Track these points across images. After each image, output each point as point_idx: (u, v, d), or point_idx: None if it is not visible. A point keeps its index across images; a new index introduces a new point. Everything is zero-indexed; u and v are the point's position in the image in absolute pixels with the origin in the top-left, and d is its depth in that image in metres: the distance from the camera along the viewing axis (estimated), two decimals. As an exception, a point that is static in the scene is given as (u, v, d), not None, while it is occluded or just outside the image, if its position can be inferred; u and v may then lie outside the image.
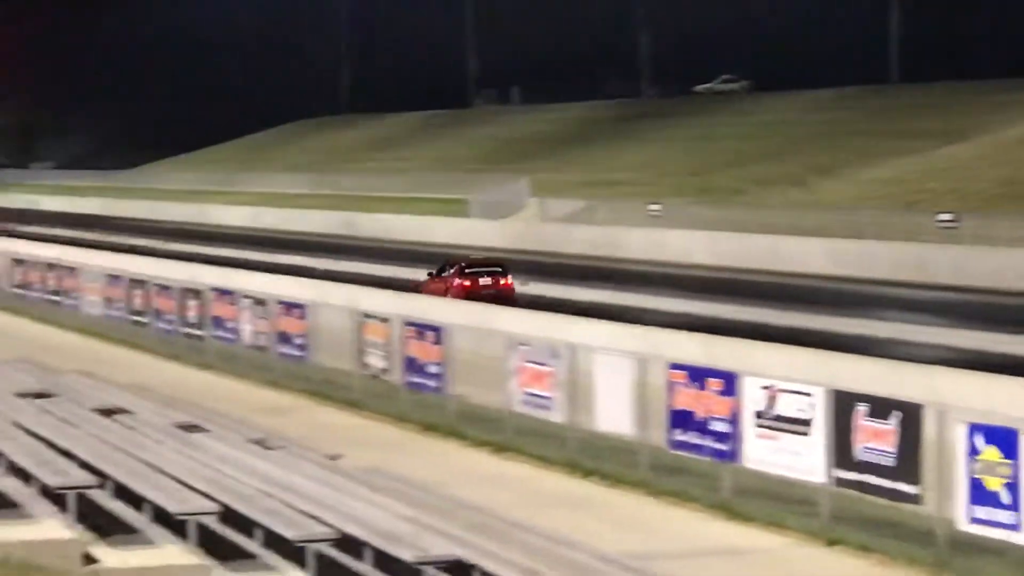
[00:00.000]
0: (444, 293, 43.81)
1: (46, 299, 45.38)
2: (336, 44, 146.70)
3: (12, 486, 17.09)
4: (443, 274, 45.63)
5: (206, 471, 17.97)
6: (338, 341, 31.81)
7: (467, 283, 44.88)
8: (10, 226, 79.71)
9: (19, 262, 48.20)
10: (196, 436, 21.30)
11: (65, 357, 34.40)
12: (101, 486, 16.85)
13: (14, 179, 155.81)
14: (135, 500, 16.69)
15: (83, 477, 16.36)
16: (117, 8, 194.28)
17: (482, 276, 45.53)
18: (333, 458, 22.12)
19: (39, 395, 23.02)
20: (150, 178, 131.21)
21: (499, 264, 46.73)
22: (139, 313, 39.32)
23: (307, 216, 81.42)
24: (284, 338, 32.99)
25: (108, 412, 22.12)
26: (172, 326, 37.59)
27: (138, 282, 39.96)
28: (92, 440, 18.80)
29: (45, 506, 16.28)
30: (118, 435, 19.84)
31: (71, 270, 44.40)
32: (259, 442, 21.85)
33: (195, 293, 37.00)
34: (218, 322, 35.57)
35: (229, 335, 35.13)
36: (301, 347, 32.59)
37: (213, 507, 15.97)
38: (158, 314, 38.30)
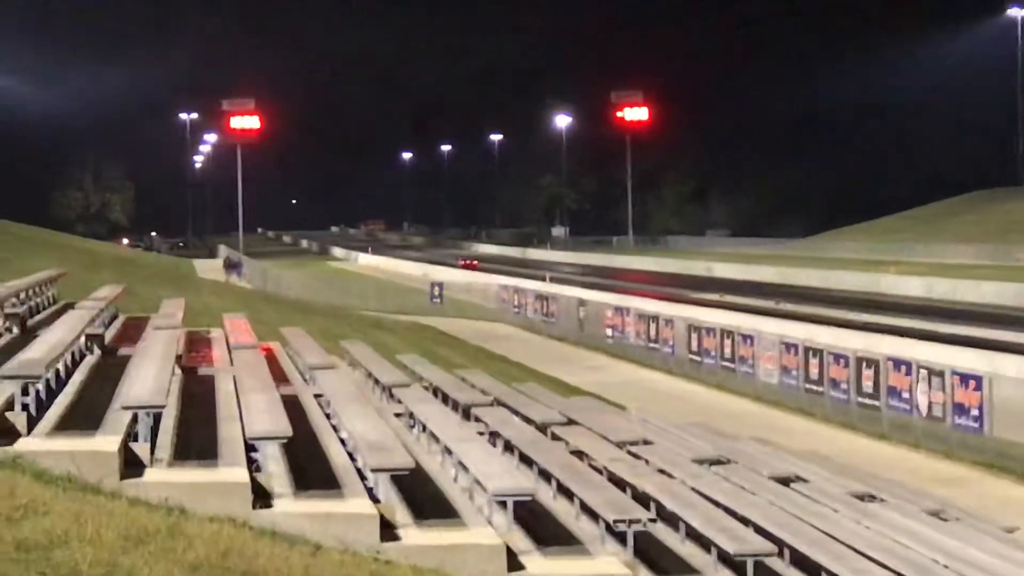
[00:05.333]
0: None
1: (721, 366, 46.21)
2: (1011, 114, 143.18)
3: (691, 552, 17.44)
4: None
5: (882, 541, 17.79)
6: (1015, 413, 31.04)
7: (464, 263, 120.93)
8: (686, 293, 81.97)
9: (695, 329, 49.28)
10: (872, 506, 21.15)
11: (740, 424, 34.96)
12: (779, 554, 16.95)
13: (688, 246, 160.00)
14: (812, 569, 16.70)
15: (760, 544, 16.48)
16: (787, 77, 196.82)
17: (469, 261, 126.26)
18: (1010, 531, 21.52)
19: (715, 461, 23.40)
20: (823, 247, 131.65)
21: (476, 258, 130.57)
22: (814, 381, 39.47)
23: (980, 287, 79.65)
24: (960, 409, 32.45)
25: (784, 480, 22.26)
26: (846, 395, 37.56)
27: (813, 350, 40.15)
28: (769, 508, 18.94)
29: (724, 572, 16.53)
30: (794, 503, 19.91)
31: (746, 338, 45.05)
32: (936, 513, 21.50)
33: (870, 363, 36.84)
34: (893, 392, 35.30)
35: (904, 405, 34.81)
36: (976, 419, 31.96)
37: (891, 579, 15.81)
38: (833, 383, 38.34)
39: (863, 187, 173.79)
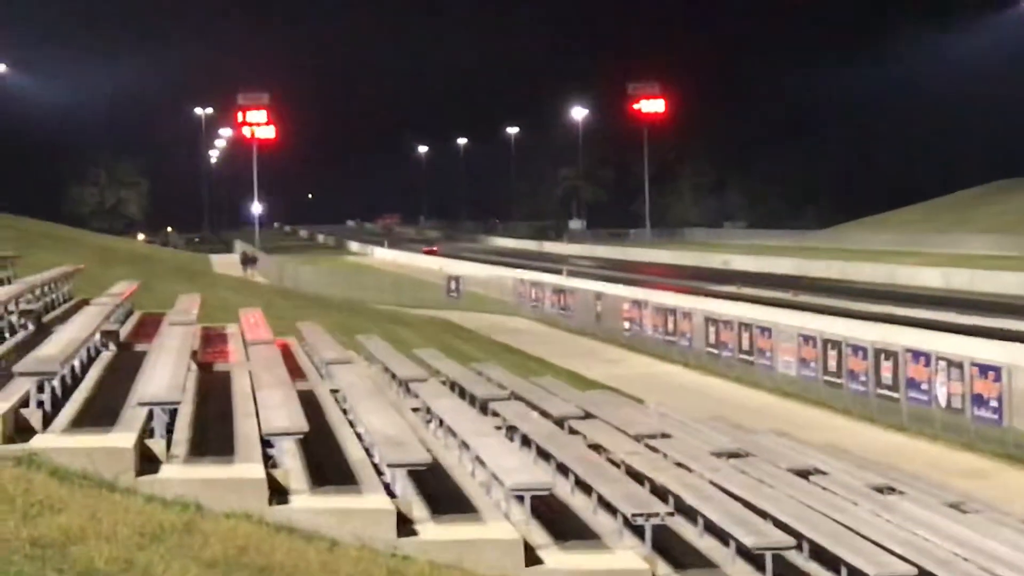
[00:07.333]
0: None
1: (739, 358, 46.08)
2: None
3: (710, 546, 17.37)
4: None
5: (902, 534, 17.70)
6: (1036, 404, 30.94)
7: (426, 250, 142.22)
8: (703, 285, 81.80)
9: (712, 321, 49.16)
10: (891, 498, 21.05)
11: (758, 416, 34.87)
12: (798, 547, 16.87)
13: (706, 238, 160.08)
14: (831, 562, 16.61)
15: (780, 537, 16.40)
16: (807, 66, 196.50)
17: (430, 247, 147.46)
18: (1033, 524, 21.39)
19: (734, 455, 23.33)
20: (842, 238, 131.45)
21: (435, 245, 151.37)
22: (832, 373, 39.35)
23: (999, 277, 79.42)
24: (979, 400, 32.32)
25: (803, 473, 22.17)
26: (865, 387, 37.43)
27: (832, 343, 40.02)
28: (788, 501, 18.85)
29: (742, 566, 16.45)
30: (814, 496, 19.83)
31: (764, 330, 44.91)
32: (955, 506, 21.39)
33: (889, 354, 36.71)
34: (912, 383, 35.17)
35: (923, 396, 34.67)
36: (995, 410, 31.82)
37: (910, 571, 15.68)
38: (852, 375, 38.22)
39: (883, 178, 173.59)
